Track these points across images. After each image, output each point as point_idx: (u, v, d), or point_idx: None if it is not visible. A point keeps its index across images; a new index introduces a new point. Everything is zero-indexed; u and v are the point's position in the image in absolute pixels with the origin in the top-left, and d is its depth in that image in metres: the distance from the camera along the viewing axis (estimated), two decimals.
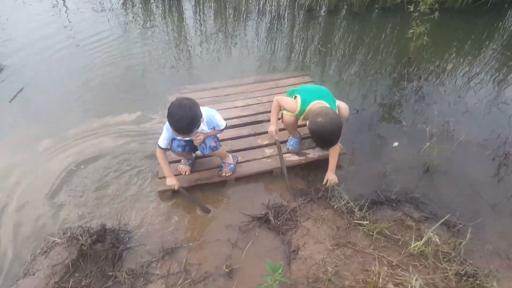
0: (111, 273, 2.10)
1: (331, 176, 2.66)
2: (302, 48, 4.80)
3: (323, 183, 2.66)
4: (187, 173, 2.67)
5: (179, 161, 2.75)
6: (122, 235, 2.35)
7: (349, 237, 2.31)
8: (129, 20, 5.40)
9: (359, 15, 5.55)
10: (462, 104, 3.67)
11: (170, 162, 2.77)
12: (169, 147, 2.50)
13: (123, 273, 2.09)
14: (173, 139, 2.51)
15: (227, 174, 2.67)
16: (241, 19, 5.58)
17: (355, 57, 4.53)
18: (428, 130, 3.11)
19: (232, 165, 2.69)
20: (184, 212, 2.54)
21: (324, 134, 2.35)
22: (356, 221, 2.36)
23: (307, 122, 2.47)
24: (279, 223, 2.40)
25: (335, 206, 2.48)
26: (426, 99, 3.72)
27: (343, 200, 2.49)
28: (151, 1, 5.95)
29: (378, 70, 4.22)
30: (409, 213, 2.53)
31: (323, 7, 5.72)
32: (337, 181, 2.65)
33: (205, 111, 2.44)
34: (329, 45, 4.77)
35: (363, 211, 2.44)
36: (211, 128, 2.52)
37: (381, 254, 2.18)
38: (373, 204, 2.58)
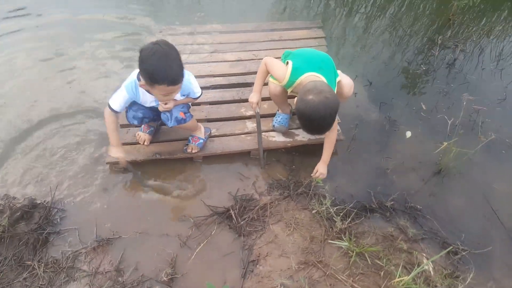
0: (29, 263, 1.68)
1: (321, 169, 2.07)
2: None
3: (312, 174, 2.09)
4: (146, 142, 2.11)
5: (139, 126, 2.18)
6: (54, 213, 1.89)
7: (322, 253, 1.79)
8: None
9: None
10: (500, 88, 2.86)
11: (130, 126, 2.21)
12: (123, 112, 1.91)
13: (42, 265, 1.67)
14: (129, 106, 1.92)
15: (193, 151, 2.10)
16: None
17: (384, 11, 3.58)
18: (450, 123, 2.38)
19: (201, 141, 2.11)
20: (135, 192, 2.03)
21: (314, 119, 1.70)
22: (331, 241, 1.82)
23: (295, 99, 1.83)
24: (242, 222, 1.89)
25: (314, 211, 1.94)
26: (459, 76, 2.91)
27: (325, 204, 1.94)
28: None
29: (408, 31, 3.33)
30: (403, 229, 1.96)
31: None
32: (325, 176, 2.07)
33: None
34: None
35: (347, 221, 1.90)
36: (184, 95, 1.92)
37: (355, 285, 1.68)
38: (363, 210, 2.03)
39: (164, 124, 2.08)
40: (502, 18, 3.68)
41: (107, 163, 2.08)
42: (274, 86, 2.04)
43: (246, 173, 2.15)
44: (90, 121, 2.37)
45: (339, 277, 1.71)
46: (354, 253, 1.76)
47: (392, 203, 2.06)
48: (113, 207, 1.96)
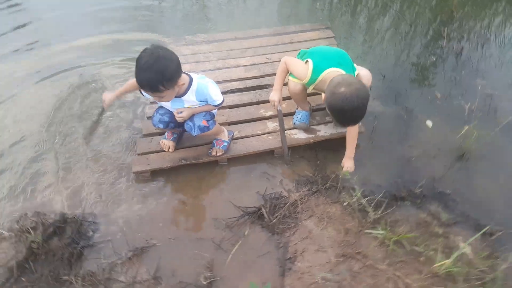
0: (65, 278, 1.62)
1: (348, 163, 2.05)
2: None
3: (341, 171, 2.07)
4: (170, 149, 2.08)
5: (163, 133, 2.15)
6: (86, 226, 1.85)
7: (359, 245, 1.75)
8: None
9: None
10: (508, 74, 2.84)
11: (154, 134, 2.19)
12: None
13: (80, 279, 1.61)
14: (156, 110, 1.91)
15: (218, 154, 2.07)
16: None
17: (388, 8, 3.58)
18: (467, 108, 2.35)
19: (225, 143, 2.08)
20: (163, 200, 1.98)
21: (348, 110, 1.66)
22: (367, 230, 1.78)
23: (323, 95, 1.80)
24: (274, 220, 1.84)
25: (345, 203, 1.89)
26: (467, 65, 2.88)
27: (355, 196, 1.89)
28: None
29: (413, 25, 3.31)
30: (436, 214, 1.91)
31: None
32: (353, 169, 2.05)
33: (196, 78, 1.82)
34: None
35: (380, 211, 1.85)
36: (202, 101, 1.88)
37: (397, 274, 1.63)
38: (393, 199, 1.98)
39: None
40: (501, 8, 3.68)
41: (133, 172, 2.04)
42: (294, 84, 2.02)
43: (272, 172, 2.11)
44: (115, 131, 2.31)
45: (379, 267, 1.65)
46: (392, 241, 1.71)
47: (420, 190, 2.01)
48: (144, 216, 1.91)
